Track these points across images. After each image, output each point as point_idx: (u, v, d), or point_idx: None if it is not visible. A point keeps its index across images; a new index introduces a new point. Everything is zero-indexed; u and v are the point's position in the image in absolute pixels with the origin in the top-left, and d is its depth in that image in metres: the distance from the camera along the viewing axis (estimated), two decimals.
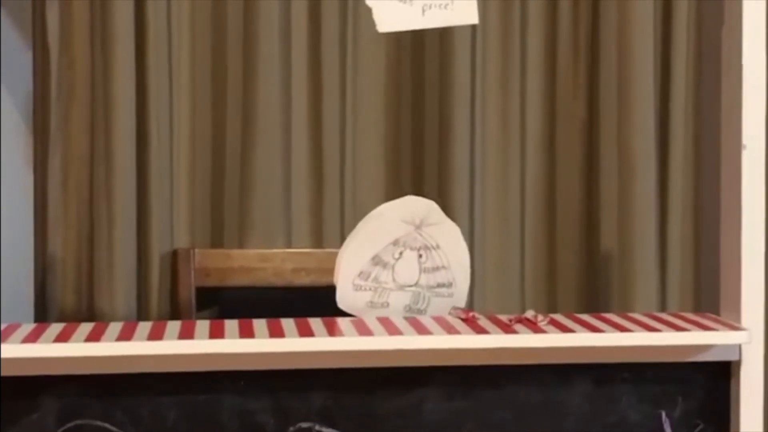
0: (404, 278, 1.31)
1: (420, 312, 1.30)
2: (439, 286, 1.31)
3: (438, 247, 1.31)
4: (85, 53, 1.76)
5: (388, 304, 1.30)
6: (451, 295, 1.31)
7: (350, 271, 1.29)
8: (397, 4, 1.22)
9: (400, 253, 1.30)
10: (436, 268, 1.31)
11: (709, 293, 1.39)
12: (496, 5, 1.84)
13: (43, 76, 1.77)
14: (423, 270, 1.31)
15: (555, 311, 1.78)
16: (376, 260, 1.30)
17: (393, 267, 1.30)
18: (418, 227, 1.31)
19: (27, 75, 1.80)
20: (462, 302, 1.32)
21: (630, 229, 1.82)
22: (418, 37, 1.80)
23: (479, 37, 1.82)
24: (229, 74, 1.81)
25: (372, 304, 1.30)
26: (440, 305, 1.31)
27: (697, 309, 1.78)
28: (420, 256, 1.31)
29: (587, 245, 1.87)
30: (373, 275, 1.30)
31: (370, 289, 1.30)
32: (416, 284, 1.31)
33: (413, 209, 1.31)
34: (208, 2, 1.81)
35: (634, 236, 1.82)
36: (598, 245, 1.85)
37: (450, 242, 1.32)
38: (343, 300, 1.30)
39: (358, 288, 1.30)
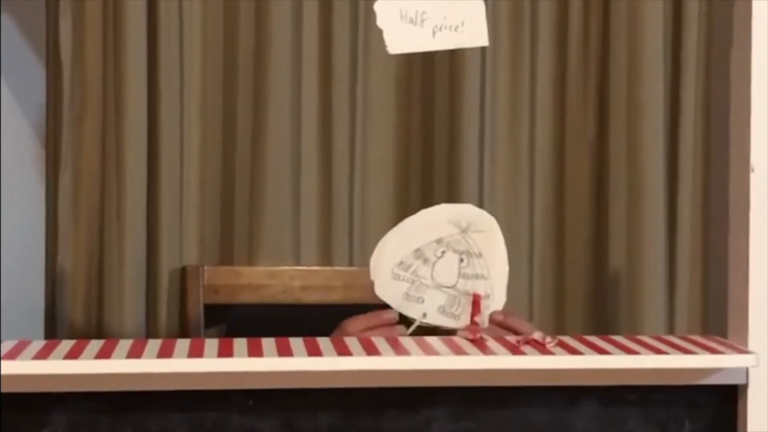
0: (443, 278, 1.31)
1: (454, 317, 1.31)
2: None
3: (480, 255, 1.31)
4: (97, 69, 1.77)
5: (423, 300, 1.31)
6: (487, 308, 1.31)
7: (392, 258, 1.30)
8: (408, 26, 1.22)
9: (443, 253, 1.31)
10: (476, 276, 1.31)
11: (718, 315, 1.39)
12: (506, 26, 1.85)
13: (55, 91, 1.79)
14: (462, 275, 1.31)
15: (563, 332, 1.78)
16: (418, 254, 1.31)
17: (433, 264, 1.31)
18: (464, 231, 1.31)
19: (40, 90, 1.82)
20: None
21: (639, 249, 1.82)
22: (428, 57, 1.81)
23: (489, 58, 1.83)
24: (240, 93, 1.82)
25: (408, 297, 1.30)
26: None
27: (706, 330, 1.78)
28: (461, 260, 1.31)
29: (596, 266, 1.87)
30: (413, 267, 1.31)
31: (408, 281, 1.30)
32: (453, 287, 1.31)
33: (462, 213, 1.32)
34: (220, 21, 1.82)
35: (643, 257, 1.82)
36: (606, 266, 1.85)
37: (494, 254, 1.32)
38: (381, 288, 1.31)
39: (396, 277, 1.30)
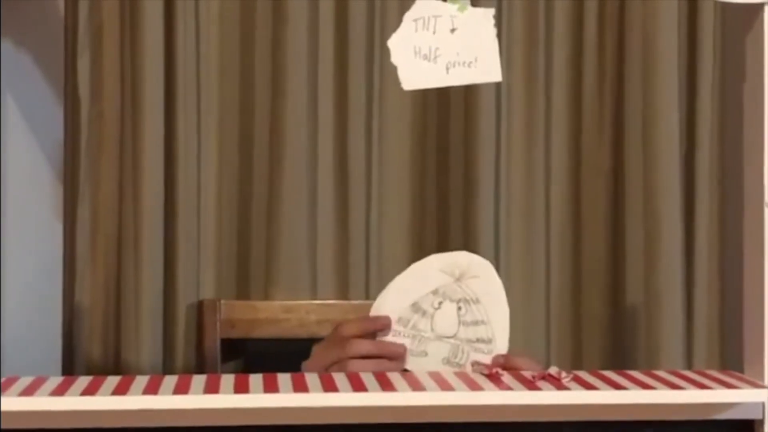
0: (443, 329, 1.31)
1: (459, 366, 1.30)
2: (479, 341, 1.31)
3: (478, 301, 1.31)
4: (115, 104, 1.78)
5: (426, 353, 1.31)
6: (490, 352, 1.31)
7: (390, 316, 1.31)
8: (422, 62, 1.23)
9: (440, 303, 1.31)
10: (476, 323, 1.31)
11: (735, 349, 1.39)
12: (521, 61, 1.85)
13: (73, 127, 1.80)
14: (462, 323, 1.31)
15: (581, 366, 1.78)
16: (416, 307, 1.31)
17: (432, 316, 1.31)
18: (458, 279, 1.31)
19: (58, 126, 1.83)
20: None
21: (656, 284, 1.82)
22: (443, 93, 1.81)
23: (504, 93, 1.83)
24: (257, 129, 1.83)
25: (411, 352, 1.31)
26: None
27: (725, 365, 1.78)
28: (459, 308, 1.31)
29: (613, 301, 1.86)
30: (412, 322, 1.31)
31: (409, 336, 1.30)
32: (455, 336, 1.31)
33: (454, 261, 1.32)
34: (237, 56, 1.83)
35: (661, 291, 1.82)
36: (623, 300, 1.85)
37: (491, 298, 1.32)
38: None
39: (397, 334, 1.31)
